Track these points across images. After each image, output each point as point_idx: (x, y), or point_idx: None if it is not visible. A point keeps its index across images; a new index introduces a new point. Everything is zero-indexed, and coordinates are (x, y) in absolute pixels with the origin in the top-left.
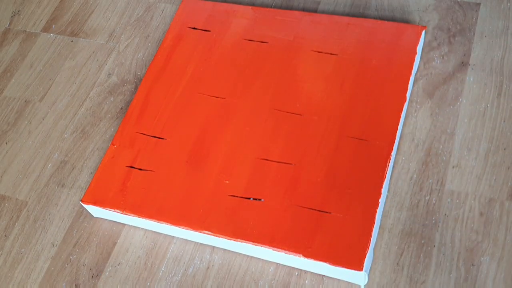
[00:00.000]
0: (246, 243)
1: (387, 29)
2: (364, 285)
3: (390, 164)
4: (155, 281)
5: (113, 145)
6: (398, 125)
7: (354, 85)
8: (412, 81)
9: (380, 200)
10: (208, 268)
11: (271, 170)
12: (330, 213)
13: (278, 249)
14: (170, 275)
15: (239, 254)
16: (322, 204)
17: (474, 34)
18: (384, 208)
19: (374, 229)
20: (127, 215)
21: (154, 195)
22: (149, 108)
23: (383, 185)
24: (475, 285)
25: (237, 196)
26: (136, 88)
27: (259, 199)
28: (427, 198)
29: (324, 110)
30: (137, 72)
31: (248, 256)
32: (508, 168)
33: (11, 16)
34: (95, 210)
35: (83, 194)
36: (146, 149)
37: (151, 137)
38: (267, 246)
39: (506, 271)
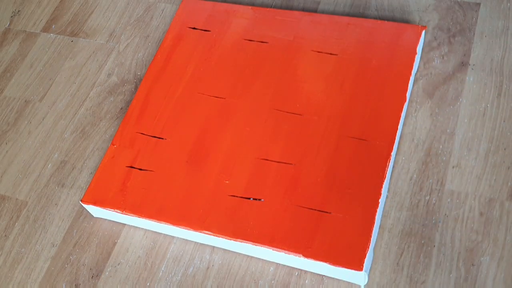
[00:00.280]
0: (246, 243)
1: (387, 29)
2: (364, 285)
3: (390, 164)
4: (155, 281)
5: (113, 145)
6: (398, 125)
7: (354, 85)
8: (412, 81)
9: (380, 200)
10: (208, 268)
11: (271, 170)
12: (330, 213)
13: (278, 249)
14: (170, 275)
15: (239, 254)
16: (322, 204)
17: (474, 34)
18: (384, 208)
19: (374, 229)
20: (127, 215)
21: (154, 195)
22: (149, 108)
23: (383, 185)
24: (475, 285)
25: (237, 196)
26: (136, 88)
27: (259, 199)
28: (427, 198)
29: (324, 110)
30: (137, 72)
31: (248, 256)
32: (508, 168)
33: (11, 16)
34: (95, 210)
35: (83, 194)
36: (146, 149)
37: (151, 137)
38: (267, 246)
39: (506, 271)
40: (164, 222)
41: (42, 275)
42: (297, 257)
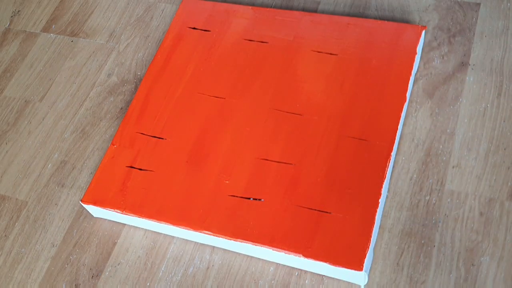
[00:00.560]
0: (246, 243)
1: (387, 29)
2: (364, 285)
3: (390, 164)
4: (155, 281)
5: (113, 145)
6: (398, 125)
7: (354, 85)
8: (412, 81)
9: (380, 200)
10: (208, 268)
11: (271, 170)
12: (330, 213)
13: (278, 249)
14: (170, 275)
15: (239, 254)
16: (322, 204)
17: (474, 34)
18: (384, 208)
19: (374, 229)
20: (127, 215)
21: (154, 195)
22: (149, 108)
23: (383, 185)
24: (475, 285)
25: (237, 196)
26: (136, 88)
27: (259, 199)
28: (427, 198)
29: (324, 110)
30: (137, 72)
31: (248, 256)
32: (508, 168)
33: (11, 16)
34: (95, 210)
35: (83, 194)
36: (146, 149)
37: (151, 137)
38: (267, 246)
39: (506, 271)
40: (164, 222)
41: (42, 275)
42: (297, 257)
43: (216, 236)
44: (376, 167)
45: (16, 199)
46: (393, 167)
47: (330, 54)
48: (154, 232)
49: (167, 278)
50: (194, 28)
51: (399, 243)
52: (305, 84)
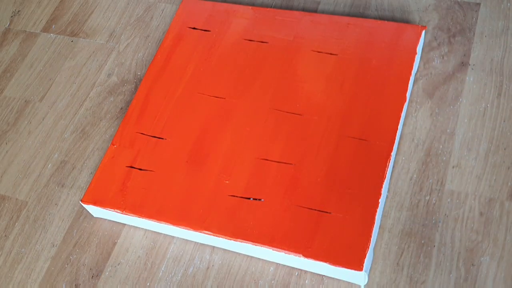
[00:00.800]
0: (246, 243)
1: (387, 29)
2: (364, 285)
3: (390, 164)
4: (155, 281)
5: (113, 145)
6: (398, 125)
7: (354, 85)
8: (412, 81)
9: (380, 200)
10: (208, 268)
11: (271, 170)
12: (330, 213)
13: (278, 249)
14: (170, 275)
15: (239, 254)
16: (322, 204)
17: (474, 34)
18: (384, 208)
19: (374, 229)
20: (127, 215)
21: (154, 195)
22: (149, 108)
23: (383, 185)
24: (475, 285)
25: (237, 196)
26: (136, 88)
27: (259, 199)
28: (427, 198)
29: (324, 110)
30: (137, 72)
31: (248, 256)
32: (508, 168)
33: (11, 16)
34: (95, 210)
35: (83, 194)
36: (146, 149)
37: (151, 137)
38: (267, 246)
39: (506, 271)
40: (164, 222)
41: (42, 275)
42: (297, 257)
43: (216, 236)
44: (376, 167)
45: (16, 199)
46: (393, 167)
47: (330, 54)
48: (154, 232)
49: (167, 278)
50: (194, 28)
51: (399, 243)
52: (305, 84)
